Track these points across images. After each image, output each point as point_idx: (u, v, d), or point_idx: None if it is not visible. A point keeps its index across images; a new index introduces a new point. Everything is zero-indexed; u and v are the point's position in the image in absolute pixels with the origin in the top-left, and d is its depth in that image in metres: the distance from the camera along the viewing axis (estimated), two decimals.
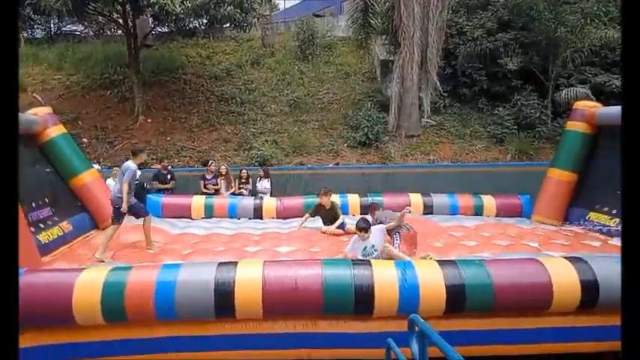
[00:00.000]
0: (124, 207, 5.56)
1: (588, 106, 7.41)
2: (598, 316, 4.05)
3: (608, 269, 3.98)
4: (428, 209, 8.13)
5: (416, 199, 8.22)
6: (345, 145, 12.25)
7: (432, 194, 8.40)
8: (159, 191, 8.96)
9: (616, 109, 7.37)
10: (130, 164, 5.68)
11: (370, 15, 13.85)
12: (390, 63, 13.52)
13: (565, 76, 12.89)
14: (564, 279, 3.97)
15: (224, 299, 3.77)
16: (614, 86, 12.23)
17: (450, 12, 13.28)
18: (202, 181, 9.04)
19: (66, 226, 6.43)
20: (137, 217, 5.91)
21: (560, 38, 12.07)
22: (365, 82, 15.06)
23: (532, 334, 4.07)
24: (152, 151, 11.82)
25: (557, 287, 3.93)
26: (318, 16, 20.45)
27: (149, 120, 13.01)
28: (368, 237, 5.00)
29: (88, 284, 3.80)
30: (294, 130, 12.71)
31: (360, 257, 4.89)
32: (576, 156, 7.32)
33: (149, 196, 8.31)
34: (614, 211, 6.40)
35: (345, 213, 7.72)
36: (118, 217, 5.74)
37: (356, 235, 5.12)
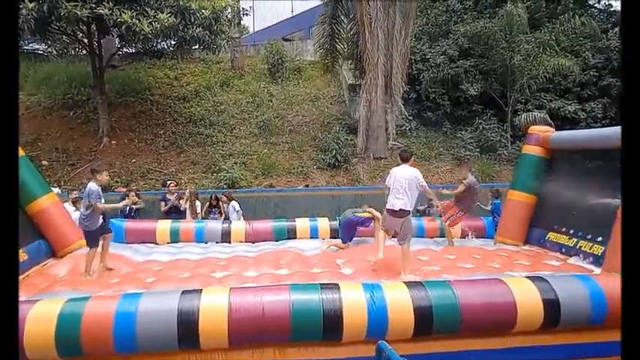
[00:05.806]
0: (116, 206, 6.18)
1: (542, 130, 7.76)
2: (561, 334, 4.17)
3: (569, 288, 4.13)
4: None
5: None
6: (315, 167, 12.32)
7: None
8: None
9: (568, 134, 7.80)
10: (92, 185, 5.49)
11: (337, 40, 14.23)
12: (358, 87, 13.85)
13: (522, 101, 13.57)
14: (527, 298, 4.07)
15: (188, 329, 3.64)
16: (567, 112, 12.95)
17: (414, 39, 13.81)
18: (163, 202, 8.79)
19: (21, 254, 6.07)
20: (87, 244, 5.69)
21: (516, 66, 12.76)
22: (333, 105, 15.31)
23: (497, 355, 4.12)
24: (116, 174, 11.49)
25: (520, 306, 4.02)
26: (287, 40, 20.74)
27: (114, 142, 12.68)
28: None
29: (41, 317, 3.58)
30: (264, 152, 12.69)
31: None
32: (533, 179, 7.61)
33: (111, 220, 8.00)
34: (572, 231, 6.66)
35: (315, 236, 7.88)
36: (92, 240, 5.55)
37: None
